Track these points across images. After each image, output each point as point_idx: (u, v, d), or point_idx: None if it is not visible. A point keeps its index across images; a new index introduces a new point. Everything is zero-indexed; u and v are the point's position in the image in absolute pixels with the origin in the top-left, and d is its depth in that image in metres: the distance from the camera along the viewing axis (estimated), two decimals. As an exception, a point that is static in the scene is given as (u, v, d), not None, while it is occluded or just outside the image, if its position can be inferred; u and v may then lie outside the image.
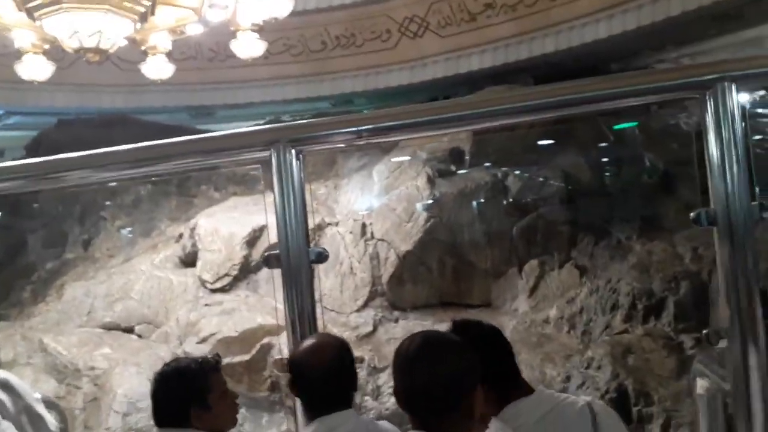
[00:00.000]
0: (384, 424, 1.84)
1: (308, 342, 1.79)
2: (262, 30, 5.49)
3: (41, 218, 7.89)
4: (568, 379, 3.47)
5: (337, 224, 5.04)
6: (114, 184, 6.98)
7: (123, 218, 6.71)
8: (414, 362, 1.39)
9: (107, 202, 7.45)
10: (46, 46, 5.53)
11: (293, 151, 1.86)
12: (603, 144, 5.11)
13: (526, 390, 1.73)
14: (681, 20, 6.26)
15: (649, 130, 5.32)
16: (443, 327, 4.41)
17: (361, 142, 1.85)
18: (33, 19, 4.43)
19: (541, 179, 4.59)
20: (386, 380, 3.97)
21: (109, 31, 4.52)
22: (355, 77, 11.40)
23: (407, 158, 4.91)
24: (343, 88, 11.50)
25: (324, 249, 1.95)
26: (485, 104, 1.96)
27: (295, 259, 1.88)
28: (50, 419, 2.05)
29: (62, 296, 5.64)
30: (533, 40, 9.32)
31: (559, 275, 4.30)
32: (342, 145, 1.87)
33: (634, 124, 5.40)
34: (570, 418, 1.65)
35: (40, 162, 2.19)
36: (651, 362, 3.20)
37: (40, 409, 2.05)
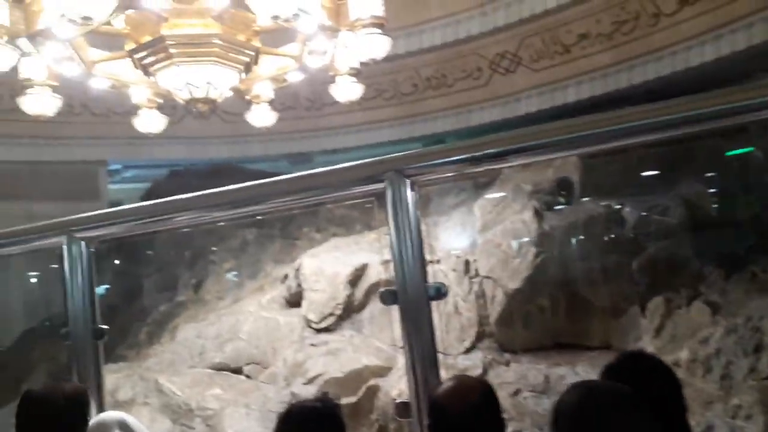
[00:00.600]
0: None
1: (449, 384, 1.66)
2: (359, 74, 5.58)
3: (155, 263, 8.34)
4: (710, 429, 3.09)
5: (438, 261, 4.92)
6: (222, 228, 7.30)
7: (231, 261, 6.93)
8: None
9: (213, 248, 7.78)
10: (160, 101, 5.89)
11: (408, 181, 1.78)
12: (724, 170, 4.71)
13: None
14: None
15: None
16: (563, 370, 4.09)
17: (479, 169, 1.74)
18: (148, 74, 4.71)
19: (660, 209, 4.26)
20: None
21: (217, 82, 4.73)
22: (447, 117, 11.42)
23: (510, 192, 4.74)
24: (435, 129, 11.54)
25: (442, 284, 1.83)
26: (604, 123, 1.80)
27: (413, 294, 1.78)
28: None
29: (175, 337, 5.85)
30: (633, 68, 8.95)
31: (687, 313, 3.92)
32: (455, 174, 1.77)
33: (750, 149, 4.95)
34: None
35: (155, 204, 2.24)
36: (812, 412, 2.79)
37: None
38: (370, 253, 5.25)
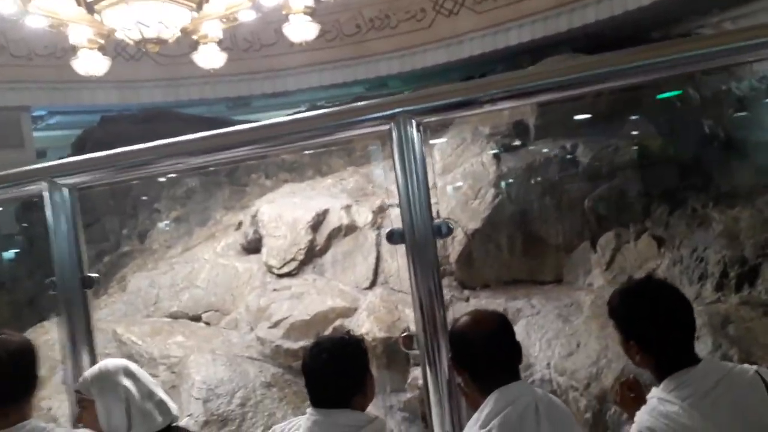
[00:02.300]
0: (555, 398, 1.76)
1: (467, 317, 1.74)
2: (314, 13, 5.40)
3: (93, 213, 8.00)
4: (662, 351, 3.36)
5: (398, 205, 4.98)
6: (163, 178, 7.05)
7: (177, 209, 6.76)
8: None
9: (156, 197, 7.53)
10: (101, 41, 5.53)
11: (414, 121, 1.79)
12: (668, 112, 4.95)
13: (692, 359, 1.65)
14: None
15: (702, 98, 5.15)
16: (520, 303, 4.28)
17: (484, 110, 1.77)
18: (93, 12, 4.41)
19: (611, 149, 4.46)
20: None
21: (168, 20, 4.49)
22: (391, 59, 11.30)
23: (468, 135, 4.82)
24: (379, 71, 11.41)
25: (450, 221, 1.88)
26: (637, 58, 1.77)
27: (420, 233, 1.82)
28: (172, 404, 2.04)
29: (126, 288, 5.71)
30: (573, 11, 9.10)
31: (635, 247, 4.18)
32: (466, 113, 1.78)
33: (678, 92, 5.23)
34: (742, 389, 1.57)
35: (144, 149, 2.15)
36: (754, 331, 3.08)
37: (161, 393, 2.04)
38: (328, 198, 5.26)
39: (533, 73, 1.75)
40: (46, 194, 2.08)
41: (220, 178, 7.46)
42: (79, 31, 4.97)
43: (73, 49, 5.49)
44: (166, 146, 2.04)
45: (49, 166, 2.12)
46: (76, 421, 1.89)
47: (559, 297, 4.14)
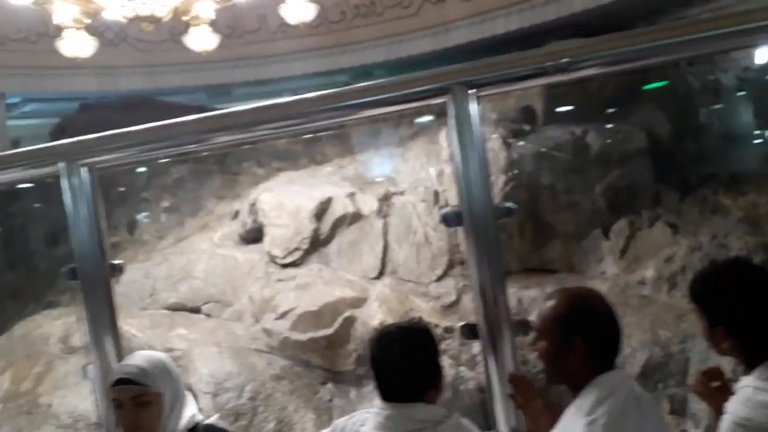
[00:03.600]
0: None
1: (568, 295, 1.62)
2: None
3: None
4: (687, 338, 3.32)
5: (402, 193, 4.87)
6: (152, 165, 6.82)
7: (167, 199, 6.53)
8: None
9: (144, 186, 7.29)
10: (88, 21, 5.28)
11: (472, 94, 1.67)
12: (677, 99, 4.91)
13: None
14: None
15: (689, 87, 5.13)
16: (534, 292, 4.22)
17: (543, 82, 1.66)
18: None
19: (621, 136, 4.41)
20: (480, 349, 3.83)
21: (163, -2, 4.25)
22: (376, 47, 11.16)
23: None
24: (364, 59, 11.25)
25: (513, 204, 1.78)
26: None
27: (480, 214, 1.71)
28: (194, 402, 1.91)
29: (119, 280, 5.49)
30: (561, 0, 9.06)
31: (650, 234, 4.14)
32: (530, 84, 1.68)
33: (665, 83, 5.20)
34: None
35: (153, 128, 1.98)
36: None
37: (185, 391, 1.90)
38: (330, 186, 5.11)
39: (607, 41, 1.63)
40: (63, 175, 1.92)
41: (209, 166, 7.24)
42: (65, 10, 4.74)
43: (58, 30, 5.26)
44: (201, 121, 1.89)
45: (67, 144, 1.95)
46: (131, 422, 1.70)
47: (574, 285, 4.09)
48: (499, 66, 1.72)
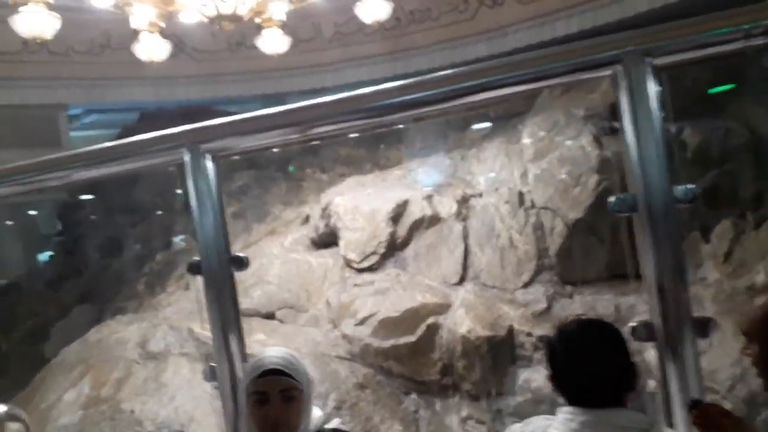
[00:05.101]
0: None
1: None
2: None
3: (139, 212, 7.79)
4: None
5: (480, 195, 4.69)
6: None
7: (234, 205, 6.49)
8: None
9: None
10: (162, 24, 5.27)
11: (648, 64, 1.49)
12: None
13: None
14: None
15: None
16: (632, 299, 3.93)
17: (736, 47, 1.46)
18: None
19: (721, 132, 4.13)
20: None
21: (244, -4, 4.15)
22: (431, 52, 11.01)
23: (561, 118, 4.50)
24: (419, 65, 11.10)
25: (695, 186, 1.58)
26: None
27: (658, 200, 1.52)
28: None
29: (188, 286, 5.45)
30: (624, 0, 8.76)
31: (757, 236, 3.84)
32: (719, 50, 1.48)
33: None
34: None
35: (285, 111, 1.85)
36: None
37: None
38: (404, 189, 4.96)
39: None
40: (187, 162, 1.80)
41: (272, 173, 7.21)
42: (143, 12, 4.74)
43: (120, 41, 5.27)
44: (336, 103, 1.75)
45: (192, 130, 1.83)
46: (279, 416, 1.53)
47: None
48: (683, 29, 1.53)
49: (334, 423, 2.02)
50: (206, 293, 1.92)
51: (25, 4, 4.15)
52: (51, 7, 4.37)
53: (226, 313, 1.90)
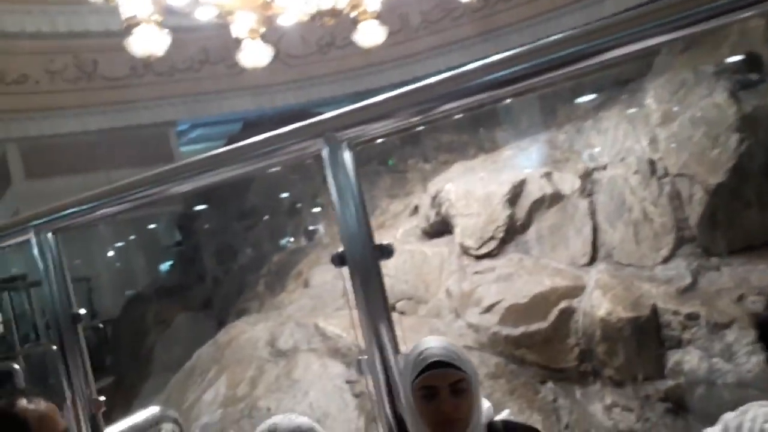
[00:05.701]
0: None
1: None
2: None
3: (252, 217, 8.04)
4: None
5: (604, 168, 4.38)
6: (315, 170, 6.89)
7: (340, 202, 6.52)
8: None
9: (312, 192, 7.39)
10: (263, 30, 5.33)
11: None
12: None
13: None
14: None
15: None
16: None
17: None
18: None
19: None
20: (737, 337, 3.25)
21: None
22: (521, 30, 10.64)
23: (690, 76, 4.11)
24: (508, 45, 10.69)
25: None
26: None
27: None
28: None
29: (308, 283, 5.53)
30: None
31: None
32: None
33: None
34: None
35: (412, 90, 1.73)
36: None
37: None
38: (516, 169, 4.75)
39: None
40: (326, 152, 1.73)
41: (375, 166, 7.19)
42: (244, 19, 4.83)
43: (219, 55, 5.38)
44: (459, 76, 1.61)
45: (327, 119, 1.76)
46: (451, 410, 1.43)
47: None
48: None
49: (504, 414, 1.90)
50: (353, 284, 1.84)
51: (138, 24, 4.32)
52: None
53: (375, 303, 1.81)
